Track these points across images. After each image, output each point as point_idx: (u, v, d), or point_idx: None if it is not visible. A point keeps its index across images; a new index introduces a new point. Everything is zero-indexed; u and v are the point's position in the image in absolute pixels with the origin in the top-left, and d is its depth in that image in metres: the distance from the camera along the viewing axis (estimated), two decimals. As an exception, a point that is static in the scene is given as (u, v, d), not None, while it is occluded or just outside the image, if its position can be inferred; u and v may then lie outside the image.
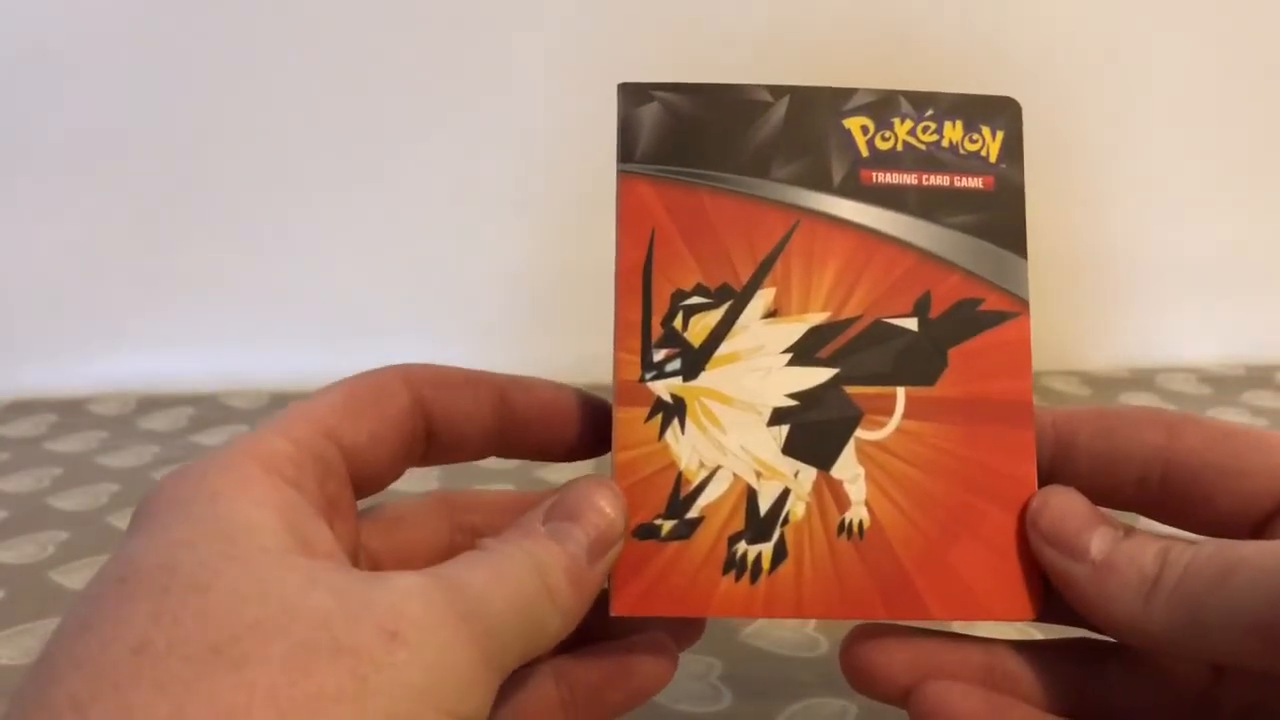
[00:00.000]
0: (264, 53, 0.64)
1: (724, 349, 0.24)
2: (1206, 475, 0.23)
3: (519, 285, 0.65)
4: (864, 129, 0.25)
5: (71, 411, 0.62)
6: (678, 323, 0.25)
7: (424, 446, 0.25)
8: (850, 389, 0.24)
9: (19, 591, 0.41)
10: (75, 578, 0.42)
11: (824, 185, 0.25)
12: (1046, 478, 0.24)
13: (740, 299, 0.24)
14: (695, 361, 0.24)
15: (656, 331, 0.24)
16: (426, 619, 0.18)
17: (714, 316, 0.24)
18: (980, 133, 0.26)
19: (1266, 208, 0.64)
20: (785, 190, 0.25)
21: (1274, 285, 0.64)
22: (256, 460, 0.21)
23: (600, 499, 0.23)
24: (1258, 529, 0.23)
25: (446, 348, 0.63)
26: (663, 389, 0.24)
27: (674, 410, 0.24)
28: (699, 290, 0.25)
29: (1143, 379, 0.61)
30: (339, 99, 0.64)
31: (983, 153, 0.26)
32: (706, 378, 0.24)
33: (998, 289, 0.25)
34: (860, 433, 0.24)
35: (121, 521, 0.47)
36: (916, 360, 0.24)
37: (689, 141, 0.25)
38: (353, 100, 0.64)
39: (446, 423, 0.25)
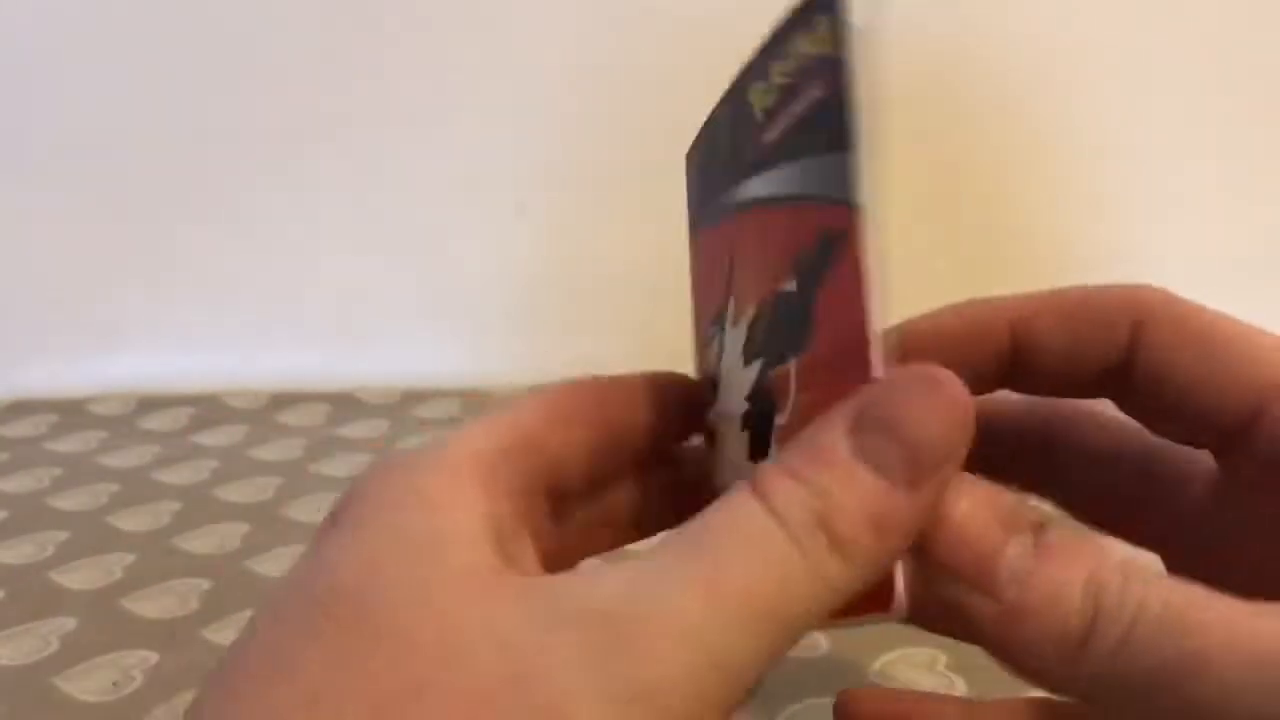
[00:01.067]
0: (264, 53, 0.64)
1: (721, 372, 0.24)
2: (1174, 382, 0.20)
3: (519, 285, 0.65)
4: (761, 94, 0.22)
5: (71, 411, 0.62)
6: (710, 362, 0.24)
7: (610, 470, 0.23)
8: (773, 374, 0.21)
9: (19, 591, 0.41)
10: (75, 578, 0.42)
11: (743, 171, 0.23)
12: (1000, 381, 0.22)
13: (722, 321, 0.24)
14: (713, 392, 0.24)
15: (702, 375, 0.25)
16: (588, 692, 0.15)
17: (715, 345, 0.24)
18: (815, 31, 0.21)
19: (1267, 208, 0.64)
20: (732, 195, 0.23)
21: (1273, 285, 0.64)
22: (471, 464, 0.19)
23: (933, 394, 0.17)
24: (1224, 443, 0.20)
25: (447, 348, 0.63)
26: (707, 428, 0.24)
27: (710, 442, 0.24)
28: (713, 326, 0.24)
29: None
30: (339, 99, 0.64)
31: (819, 53, 0.20)
32: (717, 404, 0.24)
33: (836, 203, 0.19)
34: (777, 420, 0.21)
35: (121, 521, 0.47)
36: (795, 325, 0.20)
37: (699, 188, 0.25)
38: (353, 100, 0.64)
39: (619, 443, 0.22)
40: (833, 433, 0.17)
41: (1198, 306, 0.21)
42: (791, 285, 0.20)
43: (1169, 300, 0.21)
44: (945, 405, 0.17)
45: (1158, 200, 0.64)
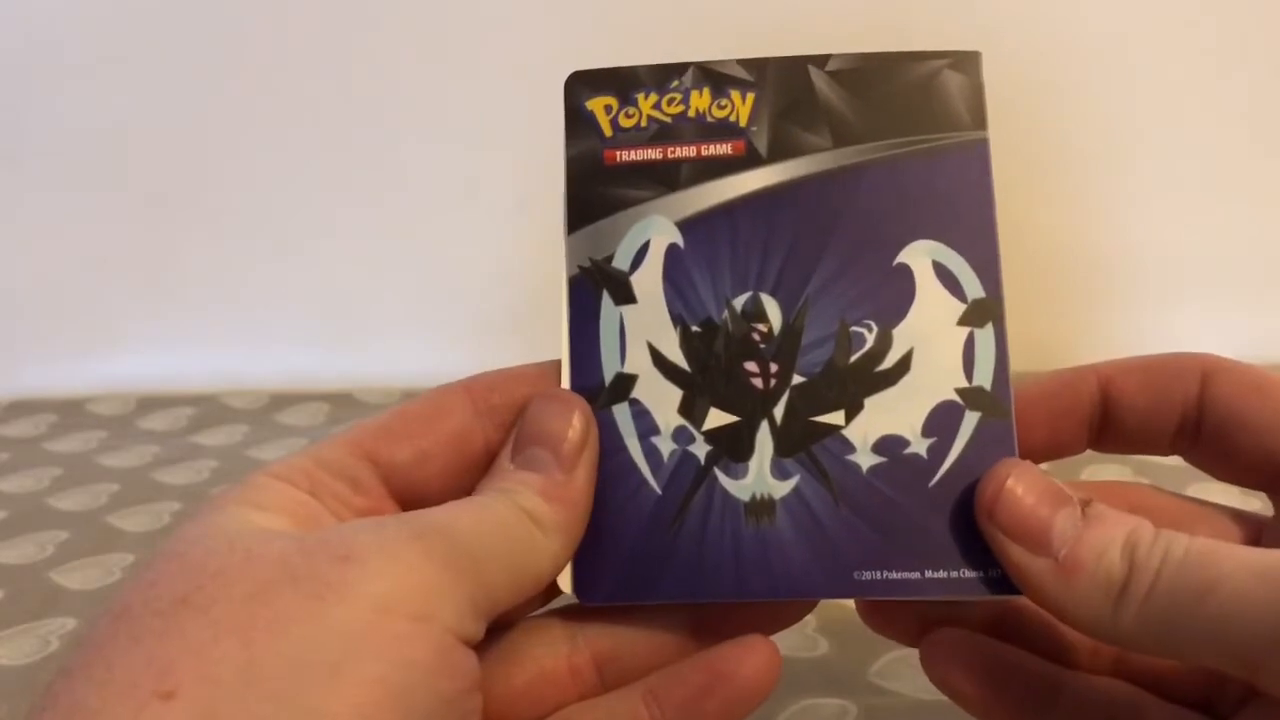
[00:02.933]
0: (265, 53, 0.64)
1: None
2: (1231, 426, 0.23)
3: (520, 285, 0.65)
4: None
5: (71, 411, 0.62)
6: None
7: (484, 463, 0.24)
8: None
9: (19, 591, 0.41)
10: (75, 578, 0.42)
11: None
12: (1093, 436, 0.24)
13: None
14: None
15: None
16: (377, 541, 0.19)
17: None
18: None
19: (1267, 207, 0.64)
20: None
21: (1274, 285, 0.64)
22: (270, 475, 0.22)
23: (552, 414, 0.23)
24: (1275, 481, 0.23)
25: (447, 348, 0.63)
26: None
27: None
28: None
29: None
30: (339, 99, 0.64)
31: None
32: None
33: None
34: None
35: (121, 521, 0.47)
36: None
37: None
38: (353, 100, 0.64)
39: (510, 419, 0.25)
40: (503, 460, 0.23)
41: (1254, 366, 0.24)
42: None
43: (1230, 361, 0.24)
44: (566, 408, 0.23)
45: (1156, 200, 0.64)
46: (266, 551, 0.19)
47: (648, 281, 0.24)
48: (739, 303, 0.24)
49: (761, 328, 0.24)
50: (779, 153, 0.24)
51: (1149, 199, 0.63)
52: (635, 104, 0.25)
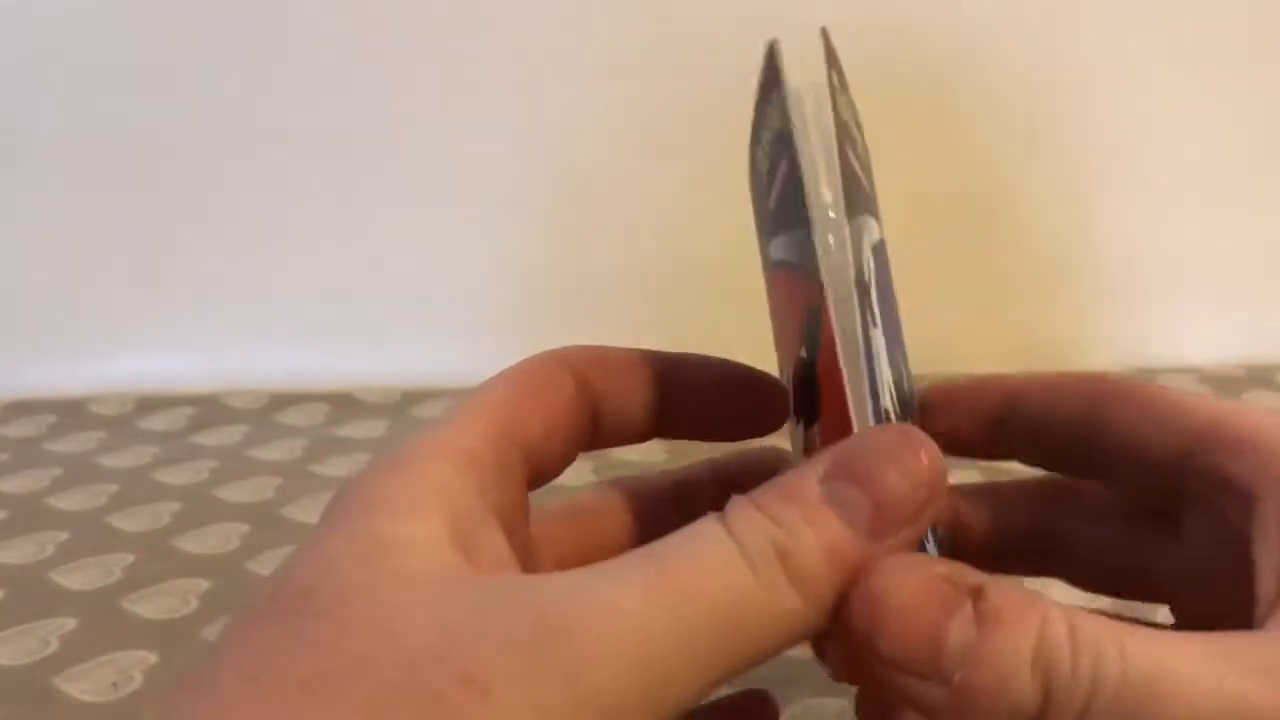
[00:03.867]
0: (264, 52, 0.64)
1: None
2: (1122, 441, 0.22)
3: (519, 285, 0.65)
4: (762, 157, 0.23)
5: (71, 411, 0.62)
6: None
7: (590, 433, 0.23)
8: (809, 436, 0.22)
9: (19, 591, 0.41)
10: (75, 578, 0.42)
11: (766, 230, 0.23)
12: (989, 444, 0.24)
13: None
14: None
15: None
16: (512, 671, 0.15)
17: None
18: (776, 106, 0.21)
19: (1268, 207, 0.64)
20: (767, 251, 0.24)
21: (1274, 285, 0.64)
22: (437, 462, 0.19)
23: (905, 454, 0.17)
24: (1171, 495, 0.22)
25: (447, 348, 0.63)
26: None
27: None
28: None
29: (1143, 379, 0.61)
30: (339, 98, 0.64)
31: (783, 128, 0.20)
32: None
33: (812, 277, 0.19)
34: None
35: (121, 521, 0.47)
36: (810, 391, 0.21)
37: (756, 227, 0.25)
38: (353, 99, 0.64)
39: (613, 407, 0.23)
40: (807, 476, 0.17)
41: (1151, 384, 0.23)
42: (804, 353, 0.21)
43: (1125, 381, 0.23)
44: (917, 466, 0.17)
45: (1157, 200, 0.64)
46: (405, 641, 0.16)
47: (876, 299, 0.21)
48: None
49: None
50: None
51: (1149, 199, 0.63)
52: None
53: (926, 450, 0.18)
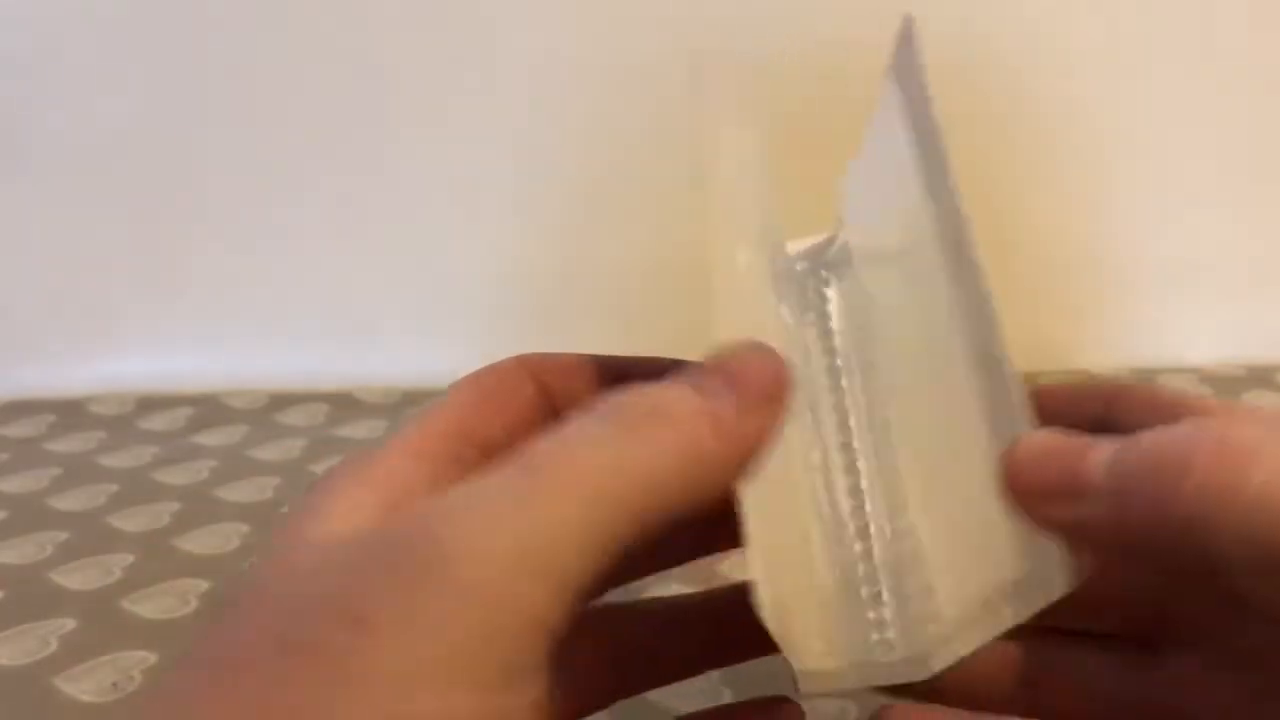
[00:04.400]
0: (264, 53, 0.64)
1: None
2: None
3: (519, 285, 0.65)
4: None
5: (71, 411, 0.62)
6: None
7: None
8: None
9: (19, 591, 0.41)
10: (75, 578, 0.42)
11: None
12: None
13: None
14: None
15: None
16: (407, 581, 0.16)
17: None
18: None
19: (1268, 208, 0.64)
20: None
21: (1274, 285, 0.64)
22: (393, 458, 0.20)
23: (746, 351, 0.19)
24: None
25: (447, 348, 0.63)
26: None
27: None
28: None
29: (1143, 379, 0.61)
30: (339, 98, 0.64)
31: None
32: None
33: None
34: None
35: (121, 521, 0.47)
36: None
37: None
38: (352, 100, 0.64)
39: (568, 408, 0.23)
40: (665, 379, 0.19)
41: (1155, 387, 0.23)
42: None
43: (1131, 385, 0.23)
44: (764, 354, 0.19)
45: (1157, 199, 0.64)
46: (300, 584, 0.17)
47: None
48: None
49: None
50: None
51: (1149, 199, 0.63)
52: None
53: (767, 346, 0.20)
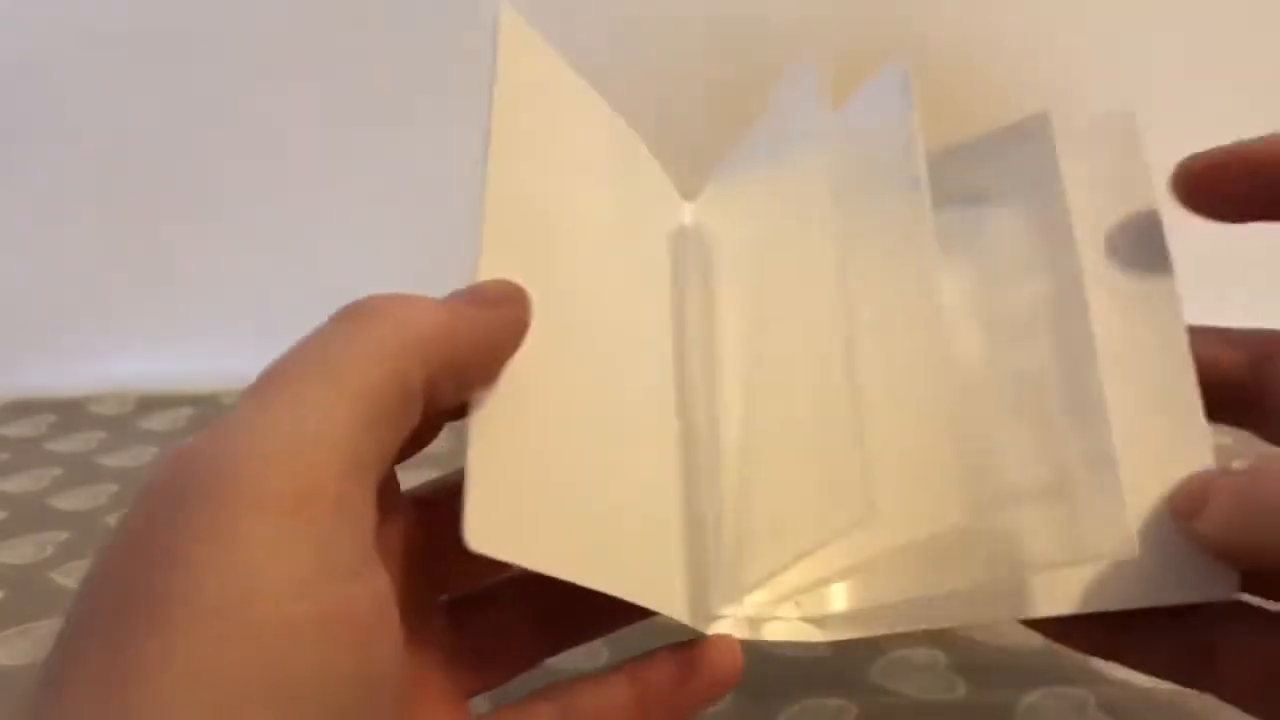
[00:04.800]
0: (264, 53, 0.64)
1: None
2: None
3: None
4: None
5: (71, 411, 0.62)
6: None
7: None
8: None
9: (19, 591, 0.41)
10: (75, 578, 0.42)
11: None
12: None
13: None
14: None
15: None
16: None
17: None
18: None
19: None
20: None
21: (1274, 285, 0.64)
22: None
23: (490, 280, 0.24)
24: None
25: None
26: None
27: None
28: None
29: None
30: (339, 98, 0.64)
31: None
32: None
33: None
34: None
35: (121, 521, 0.47)
36: None
37: None
38: (353, 100, 0.64)
39: None
40: None
41: None
42: None
43: None
44: (501, 280, 0.24)
45: (1163, 199, 0.64)
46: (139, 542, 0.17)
47: None
48: None
49: None
50: None
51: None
52: None
53: (506, 280, 0.24)
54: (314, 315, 0.21)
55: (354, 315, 0.21)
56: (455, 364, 0.21)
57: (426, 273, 0.70)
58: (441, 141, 0.64)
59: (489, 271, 0.24)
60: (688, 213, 0.31)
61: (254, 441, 0.17)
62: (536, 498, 0.21)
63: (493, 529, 0.19)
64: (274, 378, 0.19)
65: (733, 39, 0.58)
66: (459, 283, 0.24)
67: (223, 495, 0.16)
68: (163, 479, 0.17)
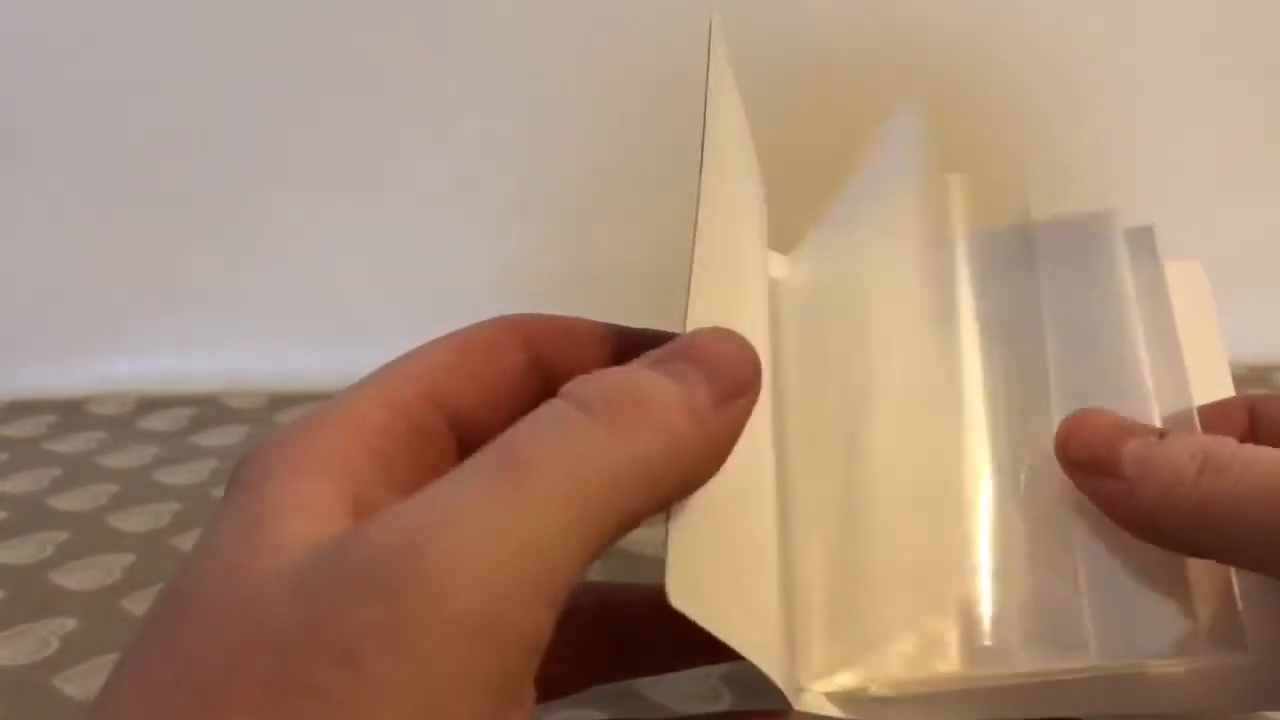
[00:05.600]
0: (264, 52, 0.64)
1: None
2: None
3: (519, 286, 0.65)
4: None
5: (71, 411, 0.62)
6: None
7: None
8: None
9: (19, 591, 0.41)
10: (75, 578, 0.42)
11: None
12: None
13: None
14: None
15: None
16: (378, 632, 0.15)
17: None
18: None
19: (1268, 207, 0.64)
20: None
21: (1273, 285, 0.64)
22: (339, 433, 0.19)
23: (721, 338, 0.19)
24: None
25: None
26: None
27: None
28: None
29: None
30: (340, 99, 0.64)
31: None
32: None
33: None
34: None
35: (121, 522, 0.47)
36: None
37: None
38: (353, 100, 0.64)
39: (565, 379, 0.21)
40: (632, 365, 0.18)
41: None
42: None
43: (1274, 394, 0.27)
44: (736, 341, 0.19)
45: (1157, 200, 0.63)
46: (275, 626, 0.15)
47: None
48: None
49: None
50: None
51: (1149, 199, 0.63)
52: None
53: (738, 333, 0.19)
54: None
55: (612, 419, 0.17)
56: (692, 488, 0.18)
57: (426, 275, 0.70)
58: (443, 145, 0.64)
59: (704, 317, 0.20)
60: (777, 265, 0.30)
61: (449, 538, 0.15)
62: (724, 560, 0.20)
63: (692, 589, 0.17)
64: (510, 466, 0.16)
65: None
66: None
67: (408, 600, 0.15)
68: (337, 554, 0.15)
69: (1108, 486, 0.22)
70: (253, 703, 0.14)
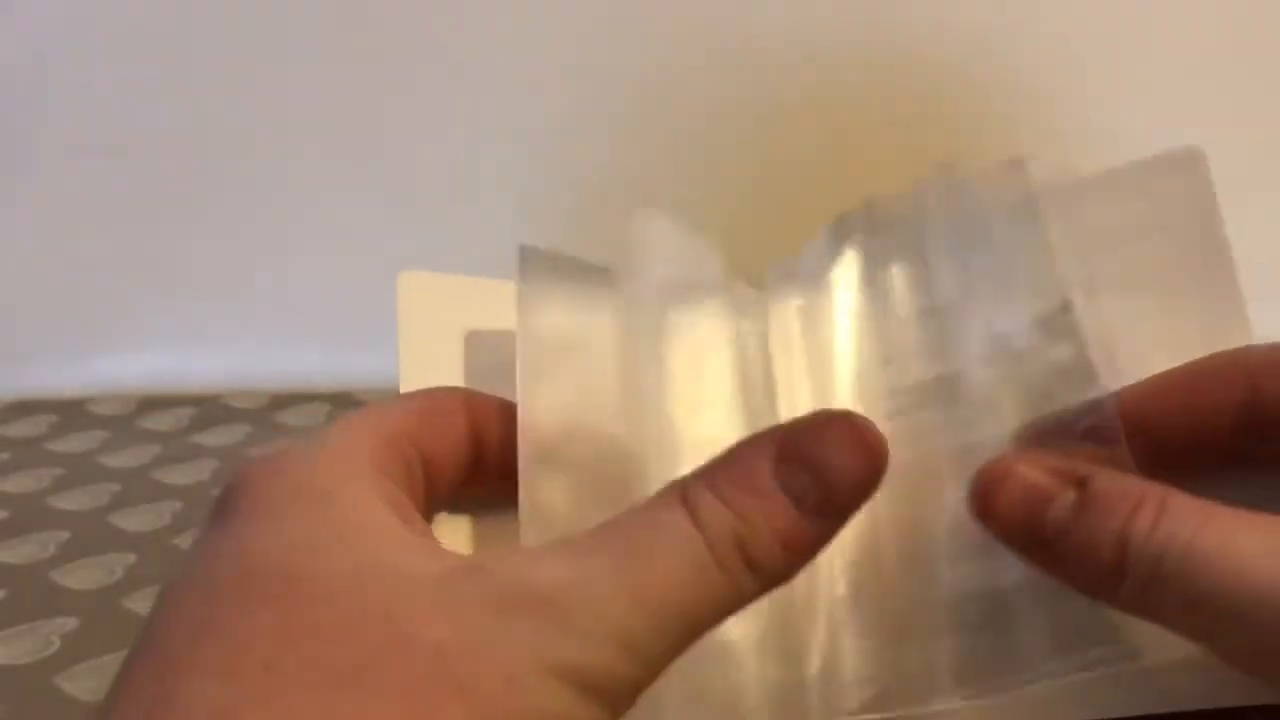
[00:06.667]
0: (264, 52, 0.64)
1: None
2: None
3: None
4: None
5: (72, 412, 0.62)
6: None
7: (469, 472, 0.25)
8: None
9: (19, 591, 0.41)
10: (76, 578, 0.42)
11: None
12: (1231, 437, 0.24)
13: None
14: None
15: None
16: (537, 667, 0.17)
17: None
18: None
19: (1268, 208, 0.64)
20: None
21: (1273, 285, 0.64)
22: (363, 455, 0.21)
23: (852, 441, 0.20)
24: None
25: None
26: None
27: None
28: None
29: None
30: (340, 99, 0.64)
31: None
32: None
33: None
34: None
35: (122, 521, 0.47)
36: None
37: None
38: (354, 100, 0.64)
39: (499, 447, 0.24)
40: (759, 459, 0.19)
41: None
42: None
43: (1275, 353, 0.25)
44: (865, 450, 0.19)
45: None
46: (424, 636, 0.17)
47: None
48: None
49: None
50: None
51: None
52: None
53: (871, 434, 0.20)
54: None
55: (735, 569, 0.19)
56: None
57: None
58: (443, 145, 0.64)
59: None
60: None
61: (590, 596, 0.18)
62: None
63: None
64: (641, 572, 0.19)
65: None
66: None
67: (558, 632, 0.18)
68: (479, 577, 0.18)
69: (1035, 555, 0.21)
70: (402, 691, 0.16)
